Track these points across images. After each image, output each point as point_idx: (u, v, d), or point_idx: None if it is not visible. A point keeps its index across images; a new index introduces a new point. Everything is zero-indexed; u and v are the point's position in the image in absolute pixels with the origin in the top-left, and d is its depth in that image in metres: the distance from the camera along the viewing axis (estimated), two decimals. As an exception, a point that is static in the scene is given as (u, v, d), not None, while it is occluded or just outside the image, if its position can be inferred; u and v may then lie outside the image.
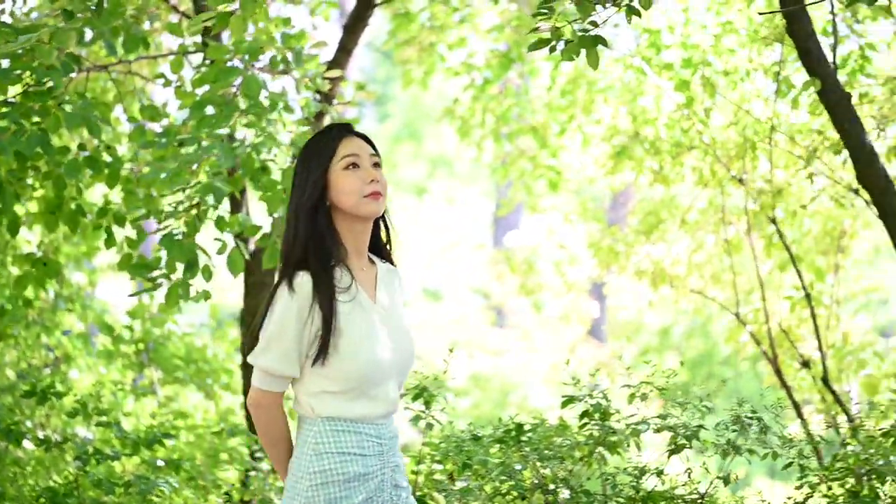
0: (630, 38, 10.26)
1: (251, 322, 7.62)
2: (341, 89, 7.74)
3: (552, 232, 11.86)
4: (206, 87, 6.11)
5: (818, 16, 7.99)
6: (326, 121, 7.45)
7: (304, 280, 3.92)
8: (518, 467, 5.62)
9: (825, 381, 8.50)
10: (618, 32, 9.84)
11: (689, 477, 5.57)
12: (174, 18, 7.79)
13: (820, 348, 8.64)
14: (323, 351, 3.91)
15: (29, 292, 8.07)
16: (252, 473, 6.32)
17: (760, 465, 5.65)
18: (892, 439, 5.45)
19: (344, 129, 4.15)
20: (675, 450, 5.55)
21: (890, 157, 7.57)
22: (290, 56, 6.48)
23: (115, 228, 6.68)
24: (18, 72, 5.88)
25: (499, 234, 23.11)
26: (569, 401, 5.77)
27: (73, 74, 6.09)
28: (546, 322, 17.50)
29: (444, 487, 5.71)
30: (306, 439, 3.97)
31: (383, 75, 26.24)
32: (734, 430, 5.50)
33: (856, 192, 7.37)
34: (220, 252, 6.08)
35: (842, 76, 7.73)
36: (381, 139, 25.60)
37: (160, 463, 6.69)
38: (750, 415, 5.53)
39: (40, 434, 6.80)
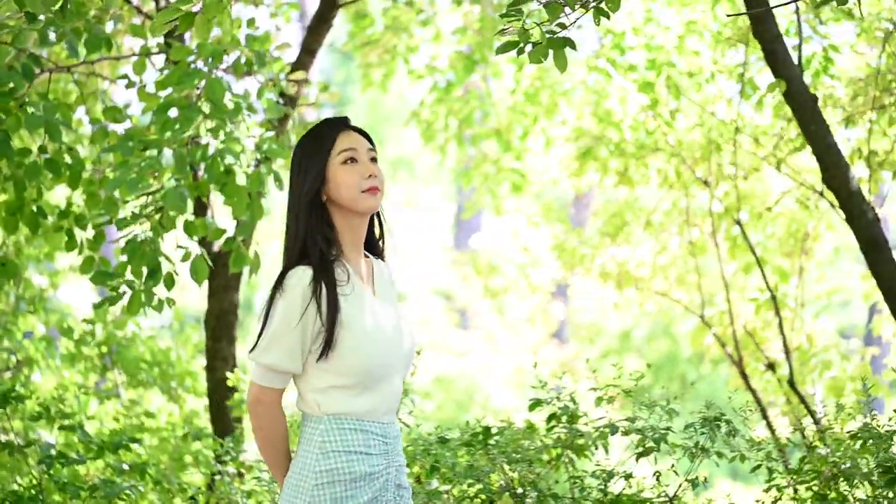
0: (593, 39, 10.25)
1: (215, 325, 7.63)
2: (305, 91, 7.70)
3: (517, 234, 11.84)
4: (170, 90, 6.06)
5: (782, 17, 8.01)
6: (290, 123, 7.41)
7: (304, 274, 3.89)
8: (486, 470, 5.60)
9: (791, 383, 8.51)
10: (581, 35, 9.85)
11: (657, 480, 5.56)
12: (137, 20, 7.72)
13: (786, 350, 8.65)
14: (328, 344, 3.87)
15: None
16: (217, 477, 6.26)
17: (723, 467, 5.64)
18: (859, 441, 5.45)
19: (341, 123, 4.11)
20: (643, 452, 5.54)
21: (854, 159, 7.60)
22: (253, 58, 6.44)
23: (76, 231, 6.62)
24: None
25: (460, 236, 23.12)
26: (536, 404, 5.76)
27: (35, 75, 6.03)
28: (510, 324, 17.52)
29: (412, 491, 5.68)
30: (311, 437, 3.93)
31: (342, 77, 26.18)
32: (703, 433, 5.49)
33: (820, 193, 7.38)
34: (183, 259, 6.03)
35: (805, 77, 7.75)
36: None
37: (125, 467, 6.64)
38: (718, 417, 5.53)
39: (2, 438, 6.73)
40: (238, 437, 6.52)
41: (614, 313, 16.51)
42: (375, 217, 4.20)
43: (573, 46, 4.25)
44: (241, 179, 6.16)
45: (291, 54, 7.47)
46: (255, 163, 6.26)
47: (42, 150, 6.14)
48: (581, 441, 5.63)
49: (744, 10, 8.08)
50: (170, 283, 5.90)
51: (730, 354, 9.31)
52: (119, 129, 6.88)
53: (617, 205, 10.32)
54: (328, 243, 4.00)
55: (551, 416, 5.73)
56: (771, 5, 6.13)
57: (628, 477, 5.58)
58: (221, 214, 7.41)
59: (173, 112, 5.96)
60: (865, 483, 5.37)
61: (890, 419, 5.45)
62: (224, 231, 6.34)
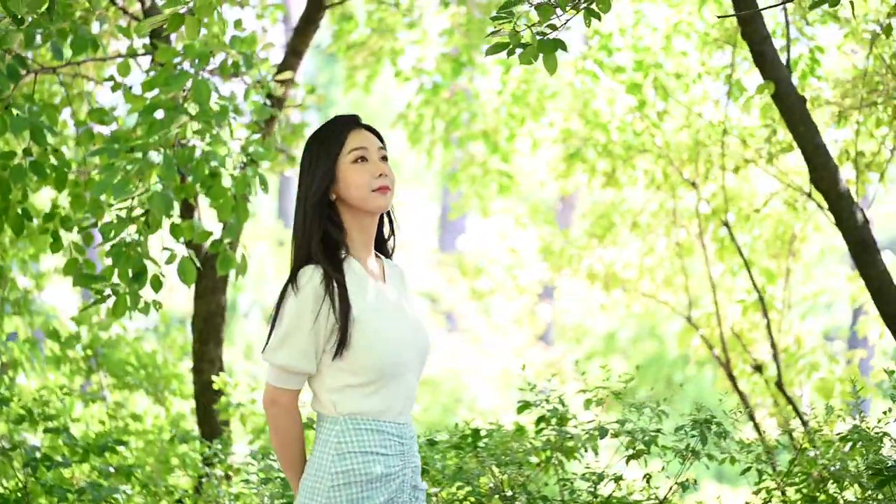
0: (579, 41, 10.24)
1: (202, 327, 7.59)
2: (291, 93, 7.68)
3: (504, 236, 11.83)
4: (156, 91, 6.03)
5: (768, 18, 8.01)
6: (276, 125, 7.39)
7: (314, 273, 3.87)
8: (475, 473, 5.58)
9: (779, 385, 8.50)
10: (567, 36, 9.84)
11: (647, 483, 5.55)
12: (123, 21, 7.68)
13: (774, 352, 8.65)
14: (342, 343, 3.86)
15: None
16: (205, 480, 6.24)
17: (709, 469, 5.64)
18: (849, 443, 5.44)
19: (352, 121, 4.10)
20: (634, 455, 5.52)
21: (842, 160, 7.60)
22: (240, 59, 6.41)
23: (61, 233, 6.59)
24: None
25: (445, 238, 23.10)
26: (525, 406, 5.74)
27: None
28: (496, 326, 17.50)
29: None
30: (328, 439, 3.91)
31: (326, 79, 26.15)
32: (693, 435, 5.48)
33: (808, 195, 7.38)
34: (169, 262, 6.00)
35: (792, 79, 7.76)
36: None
37: (111, 470, 6.61)
38: (708, 419, 5.51)
39: (-13, 440, 6.69)
40: (226, 440, 6.50)
41: (599, 315, 16.51)
42: (385, 216, 4.17)
43: (564, 48, 4.24)
44: (227, 182, 6.13)
45: (276, 55, 7.45)
46: (242, 165, 6.23)
47: (27, 152, 6.10)
48: (570, 443, 5.62)
49: (731, 11, 8.09)
50: (157, 285, 5.87)
51: (717, 356, 9.31)
52: (105, 130, 6.86)
53: (604, 206, 10.31)
54: (337, 242, 3.98)
55: (540, 419, 5.72)
56: (760, 7, 6.13)
57: (618, 479, 5.57)
58: (209, 217, 7.38)
59: (159, 114, 5.93)
60: (855, 485, 5.37)
61: (879, 421, 5.45)
62: (210, 233, 6.31)
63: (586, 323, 19.07)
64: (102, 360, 8.89)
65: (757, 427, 8.61)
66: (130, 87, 6.57)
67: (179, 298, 16.90)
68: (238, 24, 6.72)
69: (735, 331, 9.32)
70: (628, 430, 5.56)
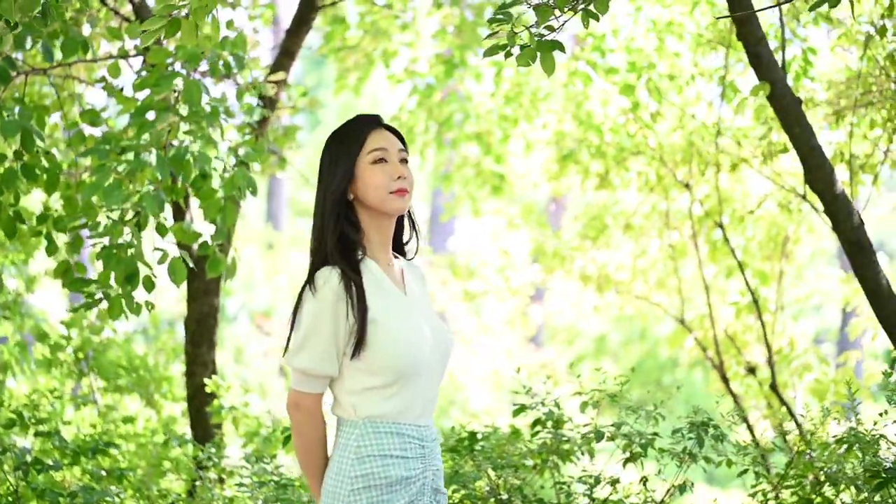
0: (570, 42, 10.23)
1: (195, 329, 7.56)
2: (282, 94, 7.65)
3: (496, 237, 11.82)
4: (147, 92, 6.01)
5: (762, 19, 8.00)
6: (268, 126, 7.36)
7: (332, 275, 3.85)
8: (471, 476, 5.56)
9: (773, 387, 8.50)
10: (559, 37, 9.82)
11: (644, 485, 5.54)
12: (114, 23, 7.65)
13: (769, 354, 8.64)
14: (360, 343, 3.84)
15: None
16: (199, 483, 6.21)
17: (700, 471, 5.63)
18: (845, 446, 5.43)
19: (373, 121, 4.07)
20: (630, 458, 5.51)
21: (835, 162, 7.59)
22: (231, 60, 6.38)
23: (55, 235, 6.55)
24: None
25: (434, 240, 23.06)
26: (521, 409, 5.73)
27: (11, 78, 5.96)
28: (488, 327, 17.48)
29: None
30: (347, 442, 3.90)
31: (314, 80, 26.12)
32: (690, 438, 5.47)
33: (803, 197, 7.36)
34: (160, 262, 5.97)
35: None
36: (312, 147, 25.48)
37: (103, 473, 6.58)
38: (705, 422, 5.50)
39: (-23, 445, 6.65)
40: (219, 443, 6.47)
41: (589, 317, 16.50)
42: (405, 217, 4.15)
43: (562, 49, 4.23)
44: (216, 183, 6.11)
45: (263, 54, 7.42)
46: (231, 167, 6.20)
47: (18, 155, 6.07)
48: (566, 446, 5.60)
49: (723, 12, 8.08)
50: (150, 286, 5.84)
51: (710, 358, 9.30)
52: (96, 132, 6.82)
53: (597, 208, 10.30)
54: (355, 243, 3.96)
55: (536, 422, 5.70)
56: (756, 8, 6.11)
57: (615, 483, 5.55)
58: (201, 219, 7.36)
59: (151, 115, 5.90)
60: (852, 487, 5.35)
61: (875, 423, 5.43)
62: (199, 235, 6.29)
63: (577, 325, 19.07)
64: (93, 363, 8.86)
65: (751, 429, 8.60)
66: (122, 89, 6.55)
67: (168, 300, 16.86)
68: (230, 24, 6.69)
69: (728, 333, 9.32)
70: (625, 433, 5.54)
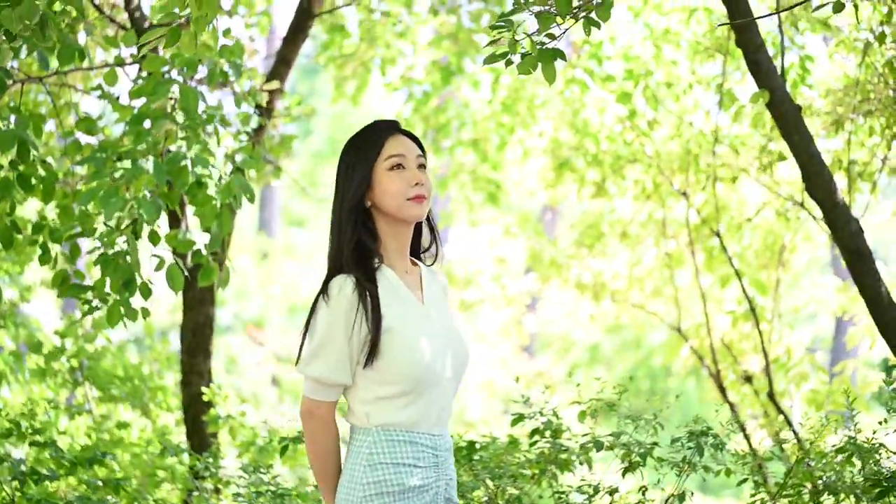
0: (567, 50, 10.21)
1: (190, 339, 7.54)
2: (278, 102, 7.64)
3: (492, 245, 11.82)
4: (143, 100, 5.98)
5: (760, 27, 8.01)
6: (265, 134, 7.34)
7: (346, 283, 3.82)
8: (469, 486, 5.54)
9: (771, 396, 8.48)
10: (557, 44, 9.82)
11: (643, 495, 5.51)
12: (110, 30, 7.63)
13: (766, 363, 8.62)
14: (374, 351, 3.81)
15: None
16: (195, 493, 6.19)
17: (693, 480, 5.61)
18: (844, 454, 5.41)
19: (391, 127, 4.04)
20: (629, 467, 5.49)
21: (833, 170, 7.58)
22: (228, 68, 6.36)
23: (50, 245, 6.52)
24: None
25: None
26: (519, 419, 5.70)
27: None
28: (481, 336, 17.47)
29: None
30: (360, 450, 3.87)
31: (307, 89, 26.09)
32: (689, 447, 5.45)
33: (801, 204, 7.35)
34: (157, 269, 5.95)
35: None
36: (305, 155, 25.48)
37: (99, 483, 6.55)
38: (704, 431, 5.48)
39: (-27, 455, 6.63)
40: (215, 453, 6.44)
41: (583, 326, 16.49)
42: (425, 224, 4.12)
43: (563, 57, 4.21)
44: (212, 190, 6.08)
45: (257, 63, 7.40)
46: (227, 174, 6.18)
47: (13, 164, 6.04)
48: (565, 456, 5.58)
49: (721, 20, 8.07)
50: (146, 292, 5.81)
51: (707, 367, 9.28)
52: (92, 141, 6.80)
53: (593, 216, 10.29)
54: (371, 250, 3.93)
55: (534, 431, 5.68)
56: (755, 16, 6.10)
57: (613, 492, 5.53)
58: (197, 227, 7.34)
59: (147, 123, 5.88)
60: (851, 497, 5.33)
61: (875, 432, 5.42)
62: (193, 243, 6.27)
63: (570, 334, 19.05)
64: (88, 373, 8.83)
65: (747, 438, 8.58)
66: (118, 97, 6.52)
67: (161, 310, 16.81)
68: (227, 32, 6.67)
69: (725, 342, 9.30)
70: (623, 442, 5.52)
